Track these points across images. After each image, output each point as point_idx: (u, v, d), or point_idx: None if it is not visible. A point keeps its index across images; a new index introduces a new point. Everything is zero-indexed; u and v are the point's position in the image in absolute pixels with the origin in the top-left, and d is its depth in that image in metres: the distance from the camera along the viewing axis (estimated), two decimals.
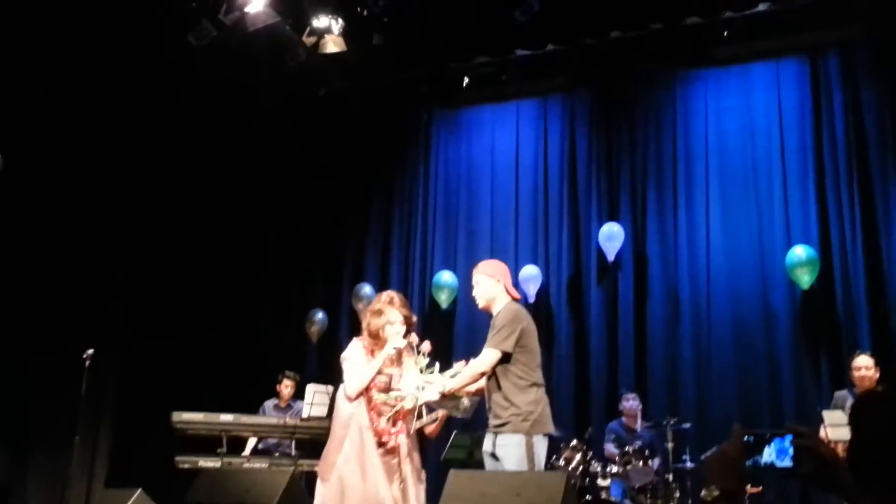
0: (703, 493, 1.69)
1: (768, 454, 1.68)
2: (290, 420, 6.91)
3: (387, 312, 4.69)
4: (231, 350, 8.26)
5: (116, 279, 8.07)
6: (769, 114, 8.09)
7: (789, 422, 6.89)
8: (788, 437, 1.69)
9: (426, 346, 4.64)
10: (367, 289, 8.70)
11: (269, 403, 7.62)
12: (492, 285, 4.76)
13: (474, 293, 4.88)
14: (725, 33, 8.02)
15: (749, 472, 1.70)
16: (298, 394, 7.41)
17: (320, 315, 8.84)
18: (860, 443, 1.50)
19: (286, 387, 7.68)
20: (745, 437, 1.71)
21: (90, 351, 5.84)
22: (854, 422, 1.53)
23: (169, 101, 7.94)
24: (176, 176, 8.43)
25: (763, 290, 7.72)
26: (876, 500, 1.43)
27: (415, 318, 4.84)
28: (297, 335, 8.86)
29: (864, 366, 6.19)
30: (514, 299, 4.85)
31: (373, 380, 4.62)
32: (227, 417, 6.63)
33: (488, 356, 4.55)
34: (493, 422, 4.61)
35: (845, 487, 1.53)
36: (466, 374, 4.55)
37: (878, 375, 6.18)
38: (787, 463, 1.67)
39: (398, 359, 4.75)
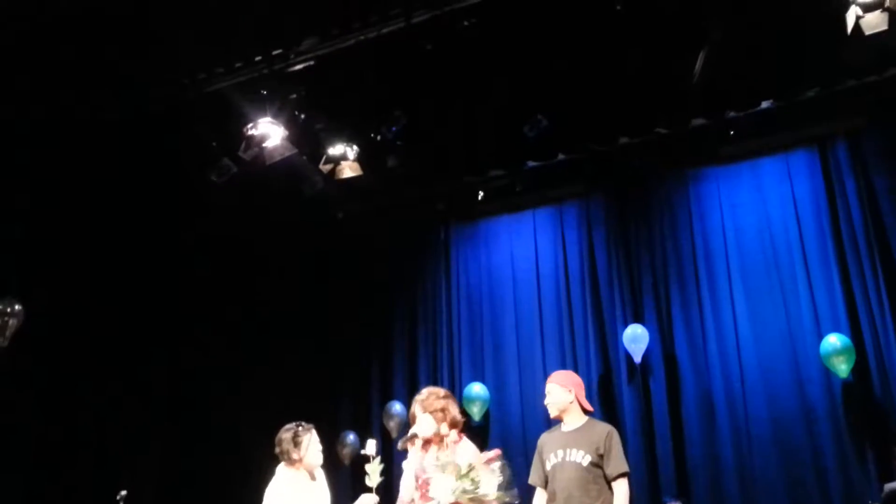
0: None
1: None
2: None
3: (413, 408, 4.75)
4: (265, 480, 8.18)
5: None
6: (784, 205, 8.15)
7: None
8: None
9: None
10: (397, 406, 8.65)
11: None
12: (564, 395, 5.00)
13: (547, 402, 5.08)
14: (731, 132, 8.16)
15: None
16: None
17: (351, 437, 8.78)
18: None
19: None
20: None
21: (124, 493, 5.78)
22: None
23: (191, 232, 8.18)
24: (198, 308, 8.59)
25: (798, 383, 7.59)
26: None
27: (441, 406, 4.69)
28: (328, 459, 8.76)
29: None
30: (587, 411, 5.02)
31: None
32: None
33: (626, 485, 4.73)
34: None
35: None
36: None
37: None
38: None
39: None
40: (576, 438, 4.86)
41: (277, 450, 5.01)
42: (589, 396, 8.20)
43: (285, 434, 5.01)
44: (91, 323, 7.81)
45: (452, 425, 4.64)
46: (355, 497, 4.79)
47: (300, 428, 5.02)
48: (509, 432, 8.29)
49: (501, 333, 9.00)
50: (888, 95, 7.50)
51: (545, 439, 5.08)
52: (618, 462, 4.75)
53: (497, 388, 8.76)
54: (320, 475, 5.07)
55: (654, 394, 8.08)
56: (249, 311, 9.11)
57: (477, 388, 8.64)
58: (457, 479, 4.21)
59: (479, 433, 8.60)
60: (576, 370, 8.38)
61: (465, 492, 4.14)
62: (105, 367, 7.83)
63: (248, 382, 8.94)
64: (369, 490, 4.59)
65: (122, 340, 8.05)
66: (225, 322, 8.87)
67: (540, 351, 8.70)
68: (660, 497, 7.60)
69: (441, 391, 4.80)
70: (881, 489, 6.19)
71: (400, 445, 4.75)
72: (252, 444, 8.38)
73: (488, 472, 4.26)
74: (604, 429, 4.92)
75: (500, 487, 4.18)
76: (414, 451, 4.64)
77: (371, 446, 4.65)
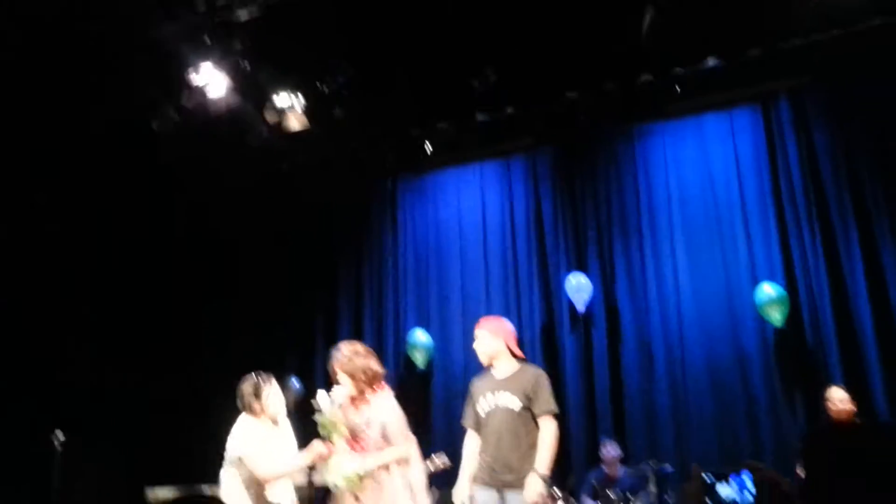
0: None
1: (729, 491, 1.73)
2: None
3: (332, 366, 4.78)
4: (201, 423, 8.20)
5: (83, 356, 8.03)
6: (726, 161, 8.31)
7: (768, 459, 6.95)
8: (747, 473, 1.75)
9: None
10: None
11: None
12: (492, 342, 5.02)
13: (477, 348, 5.10)
14: (678, 88, 8.24)
15: None
16: None
17: (295, 383, 8.80)
18: (814, 475, 1.57)
19: None
20: (704, 476, 1.77)
21: (59, 433, 5.73)
22: (806, 456, 1.60)
23: (132, 182, 8.03)
24: (142, 253, 8.48)
25: (734, 331, 7.83)
26: None
27: (359, 366, 4.70)
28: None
29: (838, 398, 6.24)
30: (517, 357, 5.09)
31: None
32: (203, 488, 6.51)
33: (553, 424, 4.80)
34: (507, 476, 4.71)
35: None
36: (549, 453, 4.72)
37: (853, 408, 6.25)
38: (747, 499, 1.73)
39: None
40: (506, 384, 4.93)
41: (239, 403, 5.00)
42: (532, 344, 8.47)
43: (246, 386, 5.00)
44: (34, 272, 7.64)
45: (372, 381, 4.67)
46: (303, 443, 4.83)
47: (260, 379, 5.02)
48: (452, 379, 8.43)
49: (447, 284, 9.09)
50: (832, 54, 7.63)
51: (477, 384, 5.13)
52: (545, 402, 4.83)
53: (442, 337, 8.87)
54: (284, 422, 5.08)
55: (595, 341, 8.28)
56: (189, 260, 9.00)
57: (421, 336, 8.74)
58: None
59: (422, 380, 8.74)
60: (520, 319, 8.56)
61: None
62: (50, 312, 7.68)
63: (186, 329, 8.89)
64: (321, 438, 4.62)
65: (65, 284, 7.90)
66: (161, 268, 8.75)
67: (485, 301, 8.81)
68: (596, 436, 7.82)
69: (360, 348, 4.77)
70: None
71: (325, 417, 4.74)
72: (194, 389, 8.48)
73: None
74: (533, 372, 4.99)
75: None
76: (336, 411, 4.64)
77: (322, 398, 4.66)
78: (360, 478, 4.44)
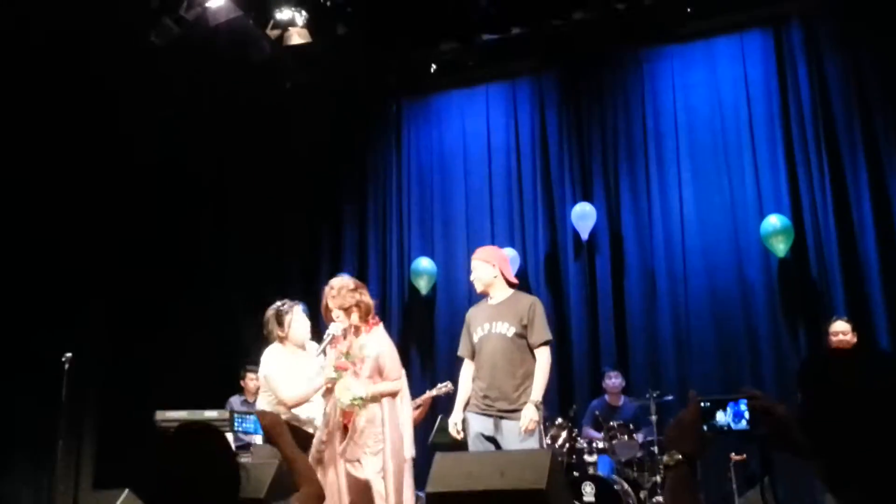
0: (664, 458, 1.74)
1: (724, 418, 1.72)
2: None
3: (327, 301, 4.82)
4: (209, 347, 8.26)
5: (92, 282, 8.01)
6: (736, 87, 8.16)
7: (770, 389, 7.01)
8: (743, 401, 1.74)
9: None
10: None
11: (236, 399, 7.55)
12: (488, 270, 5.06)
13: (472, 277, 5.15)
14: (688, 9, 8.06)
15: (708, 435, 1.74)
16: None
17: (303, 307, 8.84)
18: (810, 403, 1.54)
19: (251, 380, 7.52)
20: (702, 403, 1.75)
21: (68, 354, 5.81)
22: (802, 383, 1.56)
23: (133, 100, 7.89)
24: (143, 174, 8.40)
25: (738, 261, 7.80)
26: (827, 458, 1.46)
27: (353, 300, 4.77)
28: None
29: (841, 331, 6.24)
30: (513, 284, 5.09)
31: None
32: (211, 414, 6.59)
33: (547, 353, 4.88)
34: (502, 404, 4.77)
35: (800, 447, 1.57)
36: (543, 381, 4.82)
37: (855, 340, 6.26)
38: (742, 426, 1.72)
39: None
40: (501, 311, 4.98)
41: (265, 331, 5.09)
42: (535, 271, 8.45)
43: (269, 314, 5.10)
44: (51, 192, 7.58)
45: (366, 314, 4.75)
46: None
47: (283, 306, 5.09)
48: (456, 305, 8.41)
49: (451, 209, 9.00)
50: None
51: (473, 313, 5.19)
52: (540, 331, 4.89)
53: (445, 263, 8.83)
54: (310, 346, 5.14)
55: (598, 270, 8.24)
56: (192, 186, 8.91)
57: (424, 263, 8.71)
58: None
59: (426, 305, 8.75)
60: (524, 246, 8.53)
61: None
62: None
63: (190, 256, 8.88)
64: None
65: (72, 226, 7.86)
66: (169, 193, 8.68)
67: (489, 226, 8.74)
68: (599, 366, 7.88)
69: (351, 283, 4.84)
70: None
71: (321, 351, 4.81)
72: (199, 323, 8.51)
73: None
74: (528, 300, 5.03)
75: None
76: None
77: (335, 328, 4.73)
78: (364, 401, 4.55)
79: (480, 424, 4.85)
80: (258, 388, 7.63)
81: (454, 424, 4.90)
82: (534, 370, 4.87)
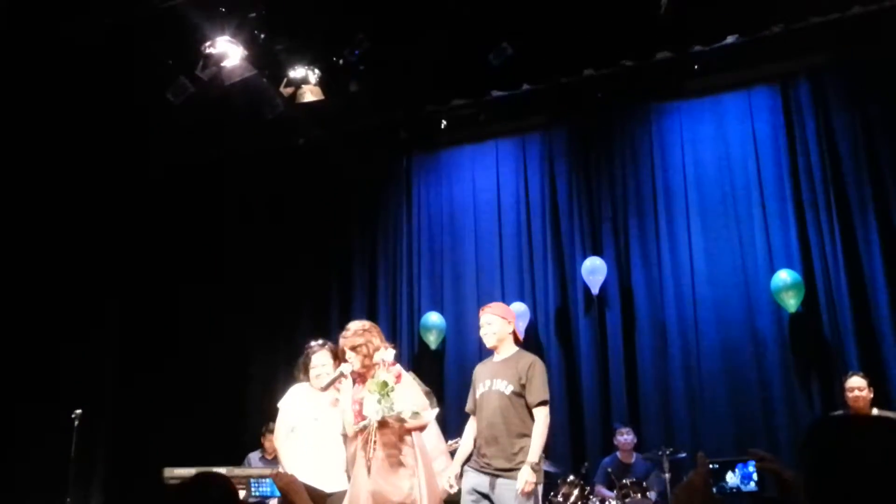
0: None
1: (733, 479, 1.71)
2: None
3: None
4: (222, 404, 8.24)
5: (105, 334, 8.06)
6: (744, 142, 8.21)
7: (783, 447, 6.92)
8: (752, 463, 1.72)
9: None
10: None
11: (254, 455, 7.50)
12: (505, 325, 5.11)
13: (484, 332, 5.15)
14: (696, 66, 8.16)
15: (717, 497, 1.73)
16: None
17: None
18: (816, 468, 1.53)
19: (269, 440, 7.51)
20: (711, 465, 1.74)
21: (79, 411, 5.82)
22: (814, 446, 1.55)
23: (148, 155, 8.03)
24: (159, 226, 8.50)
25: (750, 316, 7.76)
26: None
27: (363, 342, 4.75)
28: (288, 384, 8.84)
29: (857, 386, 6.20)
30: (518, 342, 5.22)
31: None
32: (220, 471, 6.57)
33: (545, 413, 4.86)
34: (498, 462, 4.72)
35: None
36: (540, 442, 4.78)
37: (871, 396, 6.20)
38: (751, 487, 1.70)
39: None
40: (503, 369, 5.00)
41: (295, 372, 5.29)
42: (546, 327, 8.43)
43: (301, 358, 5.26)
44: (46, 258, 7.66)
45: (369, 356, 4.69)
46: None
47: (309, 349, 5.23)
48: (466, 360, 8.37)
49: (461, 263, 9.03)
50: (850, 33, 7.52)
51: (479, 370, 5.22)
52: (538, 391, 4.88)
53: (455, 317, 8.82)
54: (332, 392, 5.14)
55: (609, 325, 8.21)
56: (206, 240, 9.01)
57: (434, 318, 8.71)
58: (379, 397, 4.44)
59: (436, 360, 8.73)
60: (534, 300, 8.52)
61: (389, 410, 4.41)
62: (61, 301, 7.71)
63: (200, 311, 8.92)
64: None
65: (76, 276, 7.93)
66: (178, 251, 8.77)
67: (499, 281, 8.76)
68: (611, 422, 7.79)
69: (365, 324, 4.83)
70: None
71: (324, 387, 4.88)
72: (213, 369, 8.52)
73: (402, 390, 4.49)
74: (528, 359, 5.03)
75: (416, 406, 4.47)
76: (348, 385, 4.74)
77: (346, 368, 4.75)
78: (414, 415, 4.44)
79: (475, 480, 4.84)
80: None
81: (448, 478, 4.87)
82: (531, 430, 4.84)
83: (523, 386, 4.88)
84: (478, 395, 5.05)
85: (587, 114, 8.86)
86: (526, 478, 4.65)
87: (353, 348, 4.69)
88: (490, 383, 4.98)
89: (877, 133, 7.62)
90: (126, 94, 7.40)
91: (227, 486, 2.32)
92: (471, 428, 5.13)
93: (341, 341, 4.77)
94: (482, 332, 5.16)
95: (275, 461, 7.46)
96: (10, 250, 7.25)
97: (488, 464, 4.81)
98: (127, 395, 8.04)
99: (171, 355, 8.41)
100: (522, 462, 4.70)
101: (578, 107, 8.79)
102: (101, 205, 8.11)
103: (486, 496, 4.79)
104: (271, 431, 7.58)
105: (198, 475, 2.41)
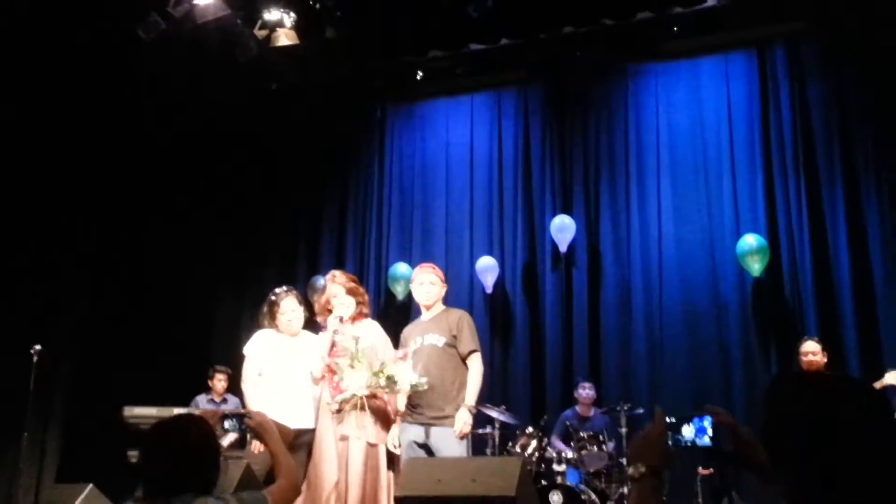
0: (630, 470, 1.76)
1: (688, 433, 1.75)
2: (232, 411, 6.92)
3: (329, 288, 5.07)
4: (182, 346, 8.22)
5: (66, 275, 7.97)
6: (718, 107, 8.24)
7: (739, 407, 7.08)
8: (707, 418, 1.76)
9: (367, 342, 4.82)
10: (321, 281, 8.65)
11: (202, 398, 7.67)
12: (441, 288, 5.31)
13: (427, 291, 5.26)
14: (675, 28, 8.15)
15: (672, 450, 1.77)
16: (231, 388, 7.60)
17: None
18: (775, 423, 1.56)
19: (219, 381, 7.77)
20: (667, 418, 1.78)
21: (38, 346, 5.77)
22: (769, 402, 1.59)
23: (118, 94, 7.86)
24: (126, 168, 8.37)
25: (713, 278, 7.86)
26: (789, 480, 1.48)
27: (360, 289, 5.12)
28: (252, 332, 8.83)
29: (811, 351, 6.33)
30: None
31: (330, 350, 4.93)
32: (180, 411, 6.57)
33: (478, 361, 5.04)
34: (430, 413, 4.88)
35: (761, 467, 1.59)
36: (476, 388, 4.95)
37: (825, 360, 6.33)
38: (705, 442, 1.75)
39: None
40: (433, 325, 5.15)
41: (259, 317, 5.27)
42: (513, 282, 8.49)
43: (264, 305, 5.22)
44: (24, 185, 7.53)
45: (364, 303, 5.08)
46: None
47: (275, 296, 5.19)
48: None
49: (432, 216, 9.01)
50: (829, 1, 7.52)
51: (408, 329, 5.36)
52: (468, 341, 5.05)
53: None
54: (306, 334, 5.24)
55: (575, 282, 8.28)
56: (172, 175, 8.89)
57: (402, 268, 8.70)
58: (371, 376, 4.64)
59: (402, 311, 8.74)
60: (502, 255, 8.57)
61: (380, 386, 4.67)
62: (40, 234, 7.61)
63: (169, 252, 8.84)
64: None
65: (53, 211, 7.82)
66: (141, 183, 8.66)
67: (468, 235, 8.77)
68: (572, 377, 7.91)
69: (348, 274, 5.16)
70: None
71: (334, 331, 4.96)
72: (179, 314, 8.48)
73: (399, 366, 4.72)
74: (457, 313, 5.21)
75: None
76: (330, 331, 4.93)
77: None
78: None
79: (413, 432, 4.93)
80: (224, 389, 7.72)
81: (391, 438, 4.95)
82: (466, 379, 4.98)
83: (454, 337, 5.05)
84: (410, 353, 5.15)
85: (564, 72, 8.83)
86: (464, 419, 4.82)
87: (351, 291, 4.96)
88: (422, 339, 5.13)
89: (849, 101, 7.70)
90: (100, 30, 7.20)
91: (206, 426, 2.38)
92: None
93: (334, 286, 4.98)
94: (423, 290, 5.26)
95: (224, 402, 7.57)
96: None
97: (422, 413, 4.92)
98: (90, 336, 7.98)
99: (138, 296, 8.34)
100: (457, 409, 4.85)
101: (556, 65, 8.75)
102: (76, 140, 7.95)
103: (423, 445, 4.89)
104: (219, 372, 7.69)
105: (177, 416, 2.50)
